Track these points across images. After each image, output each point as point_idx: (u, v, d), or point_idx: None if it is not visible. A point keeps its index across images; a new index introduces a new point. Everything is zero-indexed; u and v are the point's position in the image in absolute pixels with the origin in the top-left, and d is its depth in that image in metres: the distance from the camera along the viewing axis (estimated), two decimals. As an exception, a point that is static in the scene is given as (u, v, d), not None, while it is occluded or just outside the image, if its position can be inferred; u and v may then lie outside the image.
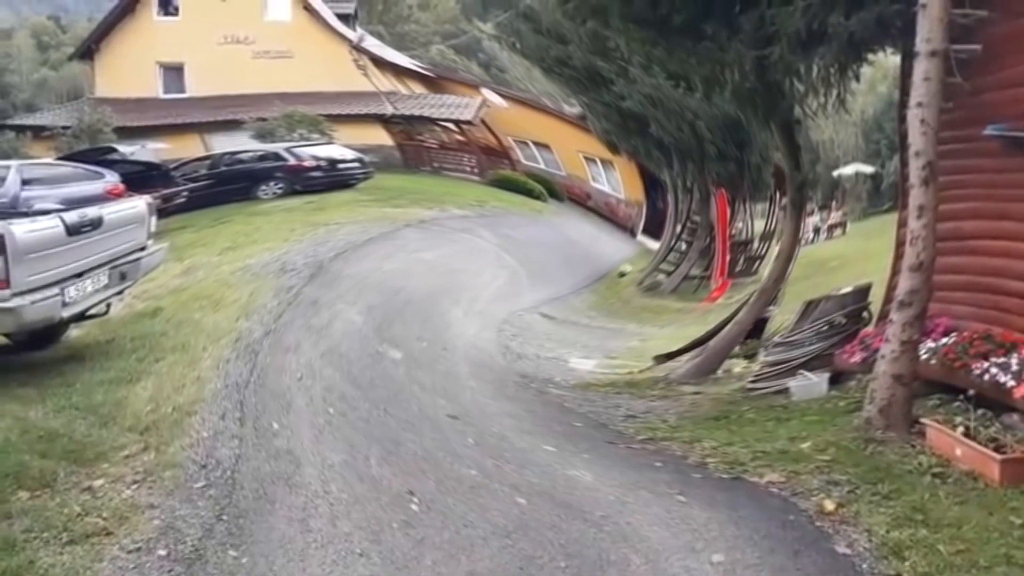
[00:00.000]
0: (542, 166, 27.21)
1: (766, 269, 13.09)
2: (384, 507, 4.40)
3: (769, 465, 5.10)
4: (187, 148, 21.90)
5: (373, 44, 28.49)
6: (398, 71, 29.22)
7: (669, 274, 18.26)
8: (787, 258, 9.54)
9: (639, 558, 3.91)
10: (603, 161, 25.18)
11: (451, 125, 26.79)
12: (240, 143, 21.15)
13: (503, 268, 14.65)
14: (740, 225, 19.65)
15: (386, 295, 9.79)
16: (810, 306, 7.87)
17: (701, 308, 15.17)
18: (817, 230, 25.08)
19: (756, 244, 19.82)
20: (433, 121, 26.86)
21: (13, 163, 6.79)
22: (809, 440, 5.43)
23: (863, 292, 7.62)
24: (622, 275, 18.56)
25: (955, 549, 3.75)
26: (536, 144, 27.48)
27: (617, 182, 25.84)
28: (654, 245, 21.45)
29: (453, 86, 29.61)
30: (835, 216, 26.87)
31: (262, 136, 21.78)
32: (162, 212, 10.10)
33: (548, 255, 17.19)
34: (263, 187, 18.30)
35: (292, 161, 18.83)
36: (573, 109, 23.55)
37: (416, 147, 26.67)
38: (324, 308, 8.65)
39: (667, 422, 6.77)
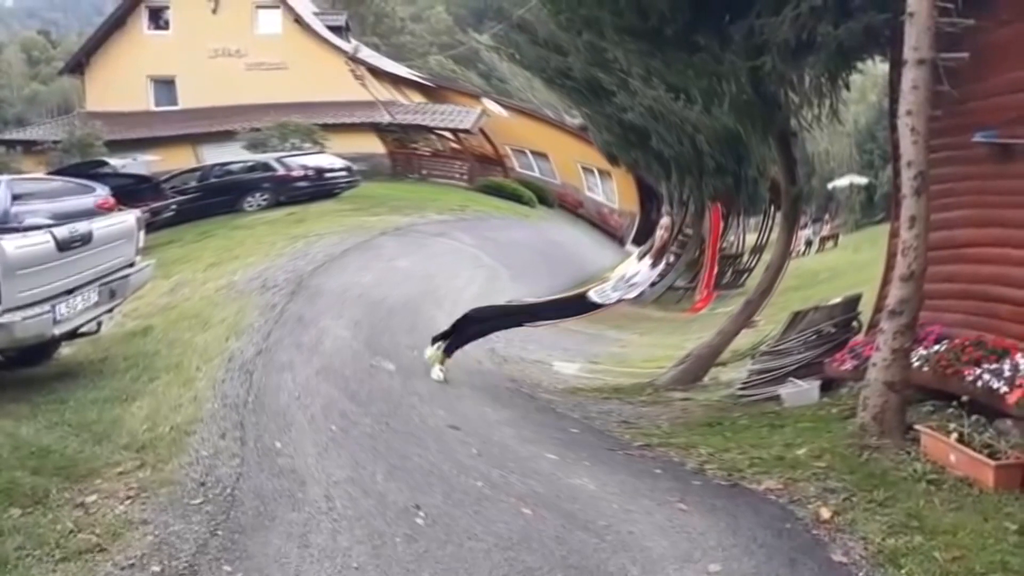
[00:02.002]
0: (536, 174, 27.33)
1: (754, 281, 13.02)
2: (389, 522, 4.37)
3: (766, 472, 5.12)
4: (179, 160, 21.83)
5: (369, 55, 28.57)
6: (396, 81, 29.30)
7: (652, 284, 18.16)
8: (776, 270, 9.55)
9: (637, 568, 3.90)
10: (600, 172, 25.30)
11: (448, 134, 26.86)
12: (232, 154, 21.07)
13: (480, 268, 14.62)
14: (732, 238, 19.67)
15: (368, 307, 9.73)
16: (797, 317, 7.91)
17: (683, 317, 15.15)
18: (809, 243, 25.22)
19: (746, 257, 19.85)
20: (430, 130, 26.92)
21: (3, 178, 6.75)
22: (804, 447, 5.44)
23: (852, 303, 7.66)
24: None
25: (951, 556, 3.76)
26: (534, 153, 27.60)
27: (612, 192, 25.96)
28: (642, 256, 21.42)
29: (453, 96, 29.68)
30: (827, 228, 27.01)
31: (255, 146, 21.72)
32: (151, 226, 10.07)
33: (527, 257, 17.13)
34: (248, 199, 18.20)
35: (281, 171, 18.76)
36: (574, 120, 23.60)
37: (407, 155, 26.73)
38: (311, 325, 8.60)
39: (661, 428, 6.78)
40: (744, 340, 9.70)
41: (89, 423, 5.56)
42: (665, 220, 7.40)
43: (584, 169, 26.35)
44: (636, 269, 7.21)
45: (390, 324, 9.26)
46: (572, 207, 26.65)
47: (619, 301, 7.35)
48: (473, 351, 9.27)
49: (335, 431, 5.81)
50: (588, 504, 4.75)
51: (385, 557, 3.99)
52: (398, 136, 26.57)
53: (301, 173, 18.85)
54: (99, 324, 7.00)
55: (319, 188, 19.01)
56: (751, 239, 20.18)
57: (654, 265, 7.32)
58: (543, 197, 25.42)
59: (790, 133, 8.89)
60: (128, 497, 4.49)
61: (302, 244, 13.31)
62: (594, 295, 7.24)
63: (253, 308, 9.08)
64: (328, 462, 5.23)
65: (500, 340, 10.28)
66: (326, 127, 23.45)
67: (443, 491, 4.85)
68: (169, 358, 7.26)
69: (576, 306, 7.62)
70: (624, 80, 9.65)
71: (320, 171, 19.32)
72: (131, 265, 7.09)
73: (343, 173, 19.92)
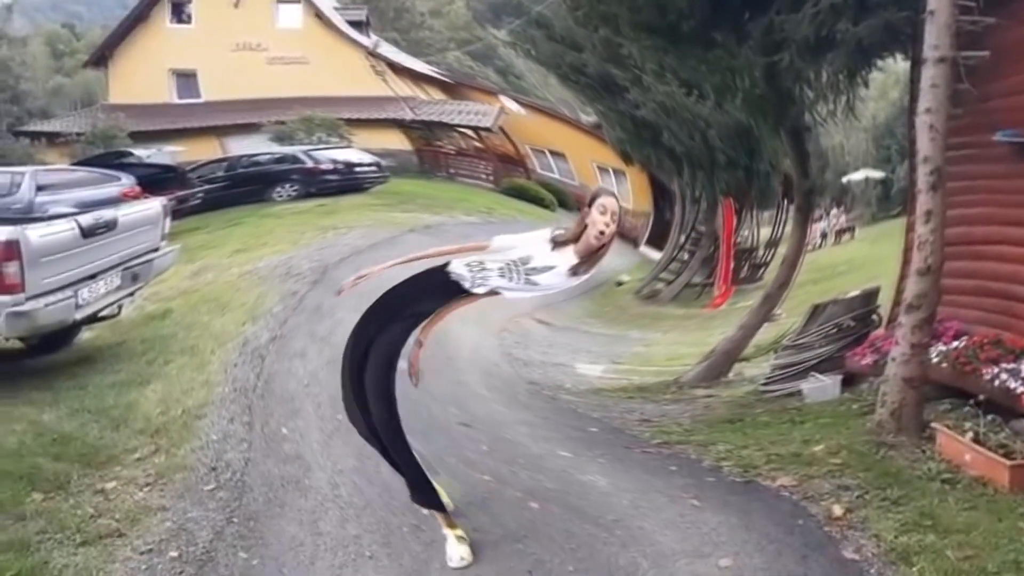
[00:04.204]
0: (556, 175, 27.14)
1: (771, 275, 12.93)
2: (395, 512, 4.40)
3: (782, 468, 5.10)
4: (204, 151, 22.03)
5: (389, 50, 28.57)
6: (416, 77, 29.22)
7: (669, 283, 18.05)
8: (792, 264, 9.51)
9: (647, 562, 3.91)
10: (615, 171, 25.10)
11: (469, 132, 26.82)
12: (259, 146, 21.26)
13: None
14: (745, 233, 19.54)
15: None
16: (817, 309, 7.86)
17: (704, 314, 15.09)
18: (824, 235, 24.99)
19: (761, 251, 19.74)
20: (452, 127, 26.89)
21: (28, 169, 6.88)
22: (822, 443, 5.42)
23: (871, 295, 7.61)
24: (619, 284, 18.36)
25: (964, 555, 3.74)
26: (552, 153, 27.45)
27: (627, 192, 25.73)
28: (657, 256, 21.32)
29: (472, 92, 29.54)
30: (843, 221, 26.75)
31: (281, 139, 21.87)
32: (177, 213, 10.19)
33: None
34: (278, 189, 18.42)
35: (309, 164, 18.93)
36: (589, 118, 23.49)
37: (434, 153, 26.66)
38: (327, 316, 8.60)
39: (682, 425, 6.74)
40: (766, 334, 9.64)
41: (107, 408, 5.67)
42: (607, 201, 3.79)
43: (600, 168, 26.21)
44: (547, 262, 3.92)
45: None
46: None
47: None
48: (490, 355, 9.25)
49: (341, 420, 5.81)
50: (598, 500, 4.76)
51: (395, 546, 4.04)
52: (423, 133, 26.56)
53: (330, 166, 19.01)
54: (119, 308, 7.13)
55: (348, 182, 19.13)
56: (765, 233, 20.05)
57: (576, 272, 3.90)
58: (562, 200, 25.34)
59: (803, 128, 8.84)
60: (147, 484, 4.59)
61: (331, 235, 13.40)
62: (461, 270, 3.93)
63: (274, 295, 9.15)
64: (333, 450, 5.27)
65: (518, 345, 10.28)
66: (351, 122, 23.50)
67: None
68: (185, 341, 7.36)
69: (437, 288, 4.06)
70: (637, 76, 9.67)
71: (349, 165, 19.49)
72: (155, 250, 7.21)
73: (372, 168, 20.08)
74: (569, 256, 3.86)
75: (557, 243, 3.87)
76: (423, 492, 4.00)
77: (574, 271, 3.87)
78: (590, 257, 3.87)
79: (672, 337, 12.74)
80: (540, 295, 4.02)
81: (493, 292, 3.93)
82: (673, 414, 7.28)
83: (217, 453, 5.05)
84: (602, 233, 3.76)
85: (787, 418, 6.42)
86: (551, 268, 3.86)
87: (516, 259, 3.89)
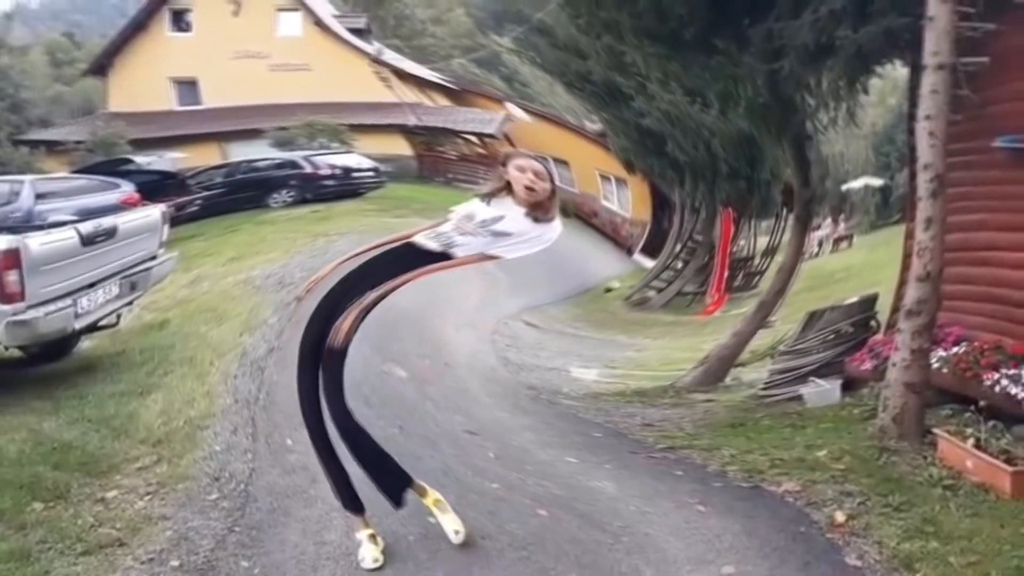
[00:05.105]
0: (557, 183, 27.01)
1: (767, 283, 12.95)
2: (402, 521, 4.36)
3: (787, 473, 5.10)
4: (206, 158, 22.07)
5: (393, 57, 28.61)
6: (421, 83, 29.27)
7: (660, 291, 18.09)
8: (789, 271, 9.54)
9: (651, 569, 3.89)
10: (617, 179, 25.11)
11: (474, 138, 26.84)
12: (260, 152, 21.29)
13: (482, 275, 14.59)
14: (742, 242, 19.56)
15: (375, 313, 9.68)
16: (813, 316, 7.88)
17: (696, 321, 15.10)
18: (821, 243, 25.01)
19: (757, 260, 19.74)
20: (456, 134, 26.92)
21: (27, 178, 6.90)
22: (825, 448, 5.42)
23: (869, 302, 7.65)
24: (608, 290, 18.37)
25: (966, 561, 3.74)
26: (556, 160, 27.34)
27: (627, 201, 25.70)
28: (650, 264, 21.26)
29: (477, 99, 29.53)
30: (841, 229, 26.80)
31: (282, 145, 21.93)
32: (176, 220, 10.21)
33: (530, 266, 17.02)
34: (275, 195, 18.50)
35: (308, 169, 19.02)
36: (594, 126, 23.51)
37: (434, 158, 26.67)
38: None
39: (684, 430, 6.74)
40: (762, 340, 9.65)
41: (108, 418, 5.65)
42: (523, 162, 3.95)
43: (602, 176, 26.19)
44: (492, 214, 3.88)
45: (397, 331, 9.18)
46: (587, 217, 26.50)
47: (485, 256, 3.91)
48: (486, 360, 9.23)
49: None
50: (606, 506, 4.74)
51: (400, 555, 4.01)
52: (426, 139, 26.58)
53: (329, 172, 19.09)
54: (118, 317, 7.13)
55: (346, 187, 19.22)
56: (763, 242, 20.09)
57: (536, 218, 3.91)
58: (563, 208, 25.22)
59: (804, 136, 8.87)
60: (148, 493, 4.57)
61: (322, 242, 13.37)
62: (425, 240, 3.92)
63: (268, 305, 9.14)
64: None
65: (511, 348, 10.27)
66: (353, 127, 23.56)
67: (457, 492, 4.81)
68: (184, 352, 7.34)
69: (404, 260, 4.01)
70: (642, 84, 9.71)
71: (348, 170, 19.57)
72: (153, 258, 7.21)
73: (370, 173, 20.17)
74: (512, 206, 3.87)
75: (487, 196, 3.91)
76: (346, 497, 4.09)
77: (533, 217, 3.87)
78: (538, 206, 3.89)
79: (663, 343, 12.77)
80: (533, 245, 3.94)
81: (486, 257, 3.90)
82: (674, 419, 7.28)
83: (221, 463, 5.03)
84: (529, 189, 3.82)
85: (788, 423, 6.43)
86: (500, 217, 3.84)
87: (462, 217, 3.89)
